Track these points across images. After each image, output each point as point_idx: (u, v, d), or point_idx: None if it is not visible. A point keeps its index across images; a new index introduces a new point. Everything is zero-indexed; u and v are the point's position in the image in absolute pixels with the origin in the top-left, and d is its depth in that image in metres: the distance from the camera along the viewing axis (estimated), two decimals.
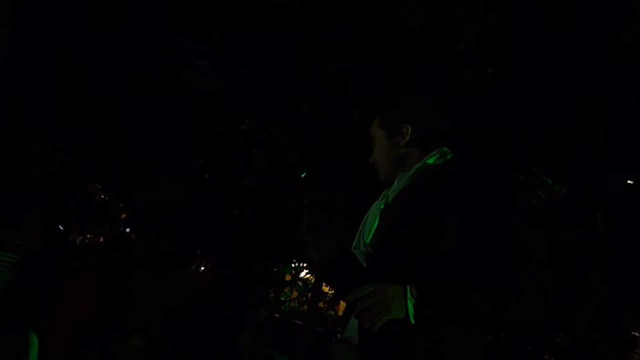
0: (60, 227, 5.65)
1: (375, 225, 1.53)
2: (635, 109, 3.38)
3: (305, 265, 7.17)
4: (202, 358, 3.12)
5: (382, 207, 1.55)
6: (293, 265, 6.79)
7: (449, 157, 1.57)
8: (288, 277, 7.18)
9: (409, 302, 1.29)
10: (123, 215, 6.32)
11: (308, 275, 7.76)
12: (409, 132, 1.60)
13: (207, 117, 4.75)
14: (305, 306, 7.57)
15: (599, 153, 3.74)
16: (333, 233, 1.76)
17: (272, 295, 6.58)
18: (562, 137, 3.66)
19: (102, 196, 6.24)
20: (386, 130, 1.65)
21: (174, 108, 4.68)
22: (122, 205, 6.25)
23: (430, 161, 1.55)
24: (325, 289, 8.86)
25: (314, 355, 5.28)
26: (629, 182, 4.15)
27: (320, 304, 7.65)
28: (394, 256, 1.43)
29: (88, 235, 6.47)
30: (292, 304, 7.65)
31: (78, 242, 6.27)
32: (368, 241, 1.52)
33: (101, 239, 6.20)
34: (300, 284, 7.62)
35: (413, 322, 1.29)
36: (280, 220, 5.04)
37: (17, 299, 3.26)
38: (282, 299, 7.25)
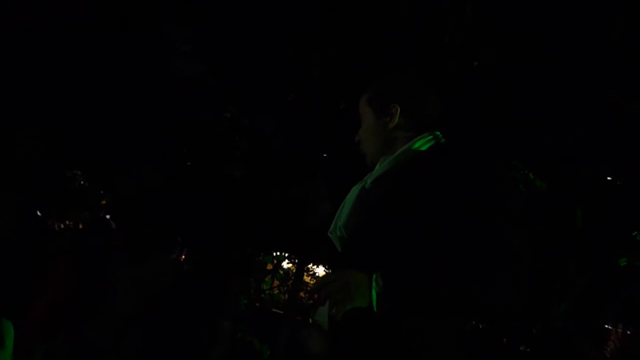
0: (38, 212, 5.56)
1: (351, 208, 1.49)
2: (618, 107, 3.42)
3: (286, 255, 7.17)
4: (180, 346, 3.10)
5: (359, 190, 1.50)
6: (275, 254, 6.78)
7: (440, 141, 1.49)
8: (269, 266, 7.17)
9: (373, 290, 1.26)
10: (103, 202, 6.25)
11: (290, 265, 7.77)
12: (398, 113, 1.52)
13: (191, 103, 4.70)
14: (286, 295, 7.58)
15: (580, 149, 3.79)
16: None
17: (252, 284, 6.57)
18: (544, 132, 3.69)
19: (82, 182, 6.16)
20: (373, 109, 1.57)
21: (157, 94, 4.63)
22: (102, 191, 6.18)
23: (416, 145, 1.47)
24: (307, 278, 8.90)
25: (294, 345, 5.29)
26: (608, 178, 4.21)
27: (301, 294, 7.67)
28: (367, 242, 1.39)
29: (67, 222, 6.39)
30: (274, 291, 7.66)
31: (57, 228, 6.19)
32: (342, 225, 1.48)
33: (80, 225, 6.12)
34: (281, 272, 7.63)
35: (375, 310, 1.25)
36: (262, 209, 5.02)
37: None
38: (264, 287, 7.24)
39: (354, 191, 1.53)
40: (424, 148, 1.47)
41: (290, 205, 4.79)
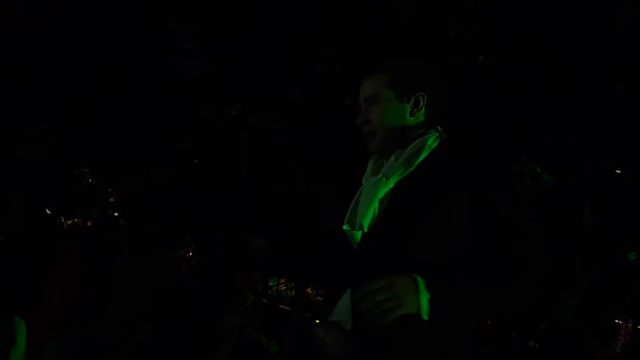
0: (47, 210, 5.61)
1: (374, 206, 1.42)
2: (625, 101, 3.40)
3: None
4: (188, 342, 3.12)
5: (381, 186, 1.44)
6: None
7: (444, 137, 1.48)
8: None
9: (422, 297, 1.21)
10: (111, 199, 6.29)
11: None
12: (424, 102, 1.46)
13: (196, 101, 4.71)
14: (293, 292, 7.60)
15: (588, 142, 3.76)
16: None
17: (259, 280, 6.59)
18: (551, 126, 3.67)
19: (90, 180, 6.20)
20: (395, 93, 1.47)
21: (163, 92, 4.65)
22: (109, 189, 6.21)
23: (430, 142, 1.44)
24: None
25: (301, 341, 5.30)
26: (616, 171, 4.18)
27: (309, 290, 7.68)
28: (396, 244, 1.34)
29: (75, 219, 6.43)
30: (281, 287, 7.67)
31: (65, 226, 6.23)
32: (365, 222, 1.42)
33: (88, 223, 6.16)
34: None
35: (426, 318, 1.22)
36: (268, 205, 5.03)
37: (2, 282, 3.23)
38: (270, 284, 7.25)
39: (370, 184, 1.47)
40: (434, 145, 1.45)
41: (296, 201, 4.80)
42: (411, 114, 1.47)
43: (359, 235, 1.44)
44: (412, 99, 1.46)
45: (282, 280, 7.82)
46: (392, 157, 1.45)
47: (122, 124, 4.94)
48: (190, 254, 6.69)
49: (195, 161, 5.50)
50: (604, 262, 4.27)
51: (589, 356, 4.76)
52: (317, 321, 1.44)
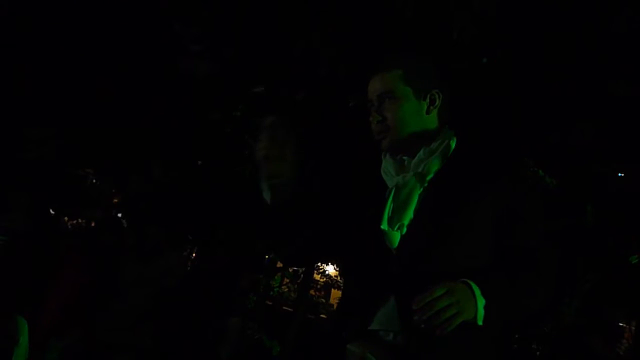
0: (51, 211, 5.63)
1: (414, 205, 1.39)
2: (628, 102, 3.39)
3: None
4: (190, 342, 3.13)
5: (417, 184, 1.41)
6: None
7: (455, 136, 1.49)
8: (279, 264, 7.19)
9: (479, 303, 1.20)
10: (115, 200, 6.31)
11: None
12: (440, 99, 1.47)
13: (200, 102, 4.73)
14: (295, 293, 7.61)
15: (591, 145, 3.76)
16: (294, 163, 1.46)
17: (262, 282, 6.60)
18: (554, 128, 3.67)
19: (94, 180, 6.22)
20: (413, 89, 1.45)
21: (167, 93, 4.66)
22: (114, 190, 6.24)
23: (452, 139, 1.47)
24: (317, 276, 8.91)
25: (303, 342, 5.31)
26: (619, 174, 4.17)
27: (312, 292, 7.69)
28: (440, 245, 1.33)
29: (79, 220, 6.45)
30: (283, 288, 7.69)
31: (69, 227, 6.26)
32: (406, 222, 1.38)
33: (92, 224, 6.19)
34: (290, 270, 7.65)
35: (480, 323, 1.21)
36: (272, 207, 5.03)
37: (5, 282, 3.25)
38: (273, 285, 7.27)
39: (404, 182, 1.43)
40: (452, 145, 1.47)
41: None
42: (427, 112, 1.46)
43: (397, 236, 1.39)
44: (429, 96, 1.46)
45: (285, 282, 7.83)
46: (420, 154, 1.43)
47: (125, 125, 4.95)
48: (194, 255, 6.70)
49: (199, 162, 5.51)
50: (606, 264, 4.27)
51: (591, 359, 4.75)
52: (349, 335, 1.37)
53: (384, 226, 1.41)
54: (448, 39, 3.09)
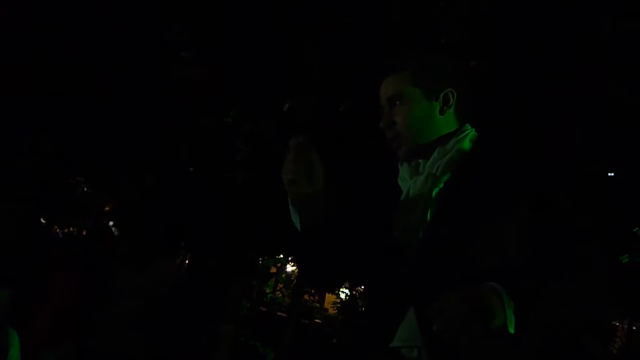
0: (42, 219, 5.59)
1: (429, 208, 1.29)
2: (619, 102, 3.42)
3: (290, 258, 7.17)
4: (184, 350, 3.11)
5: (430, 187, 1.31)
6: (277, 257, 6.80)
7: (476, 135, 1.39)
8: (273, 270, 7.18)
9: (507, 308, 1.06)
10: (106, 208, 6.28)
11: (293, 268, 7.77)
12: (455, 98, 1.37)
13: (192, 108, 4.72)
14: (289, 298, 7.59)
15: (580, 145, 3.78)
16: (323, 185, 1.38)
17: (255, 288, 6.59)
18: (543, 130, 3.69)
19: (85, 189, 6.19)
20: (423, 90, 1.36)
21: (158, 99, 4.65)
22: (105, 198, 6.21)
23: (470, 139, 1.36)
24: None
25: (298, 347, 5.30)
26: (609, 174, 4.20)
27: (305, 297, 7.67)
28: (459, 249, 1.21)
29: (70, 228, 6.42)
30: (277, 294, 7.67)
31: (60, 235, 6.22)
32: (421, 227, 1.29)
33: (84, 232, 6.15)
34: (283, 276, 7.64)
35: (512, 332, 1.07)
36: (265, 213, 5.03)
37: None
38: (266, 291, 7.26)
39: (417, 186, 1.34)
40: (472, 143, 1.36)
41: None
42: (441, 112, 1.37)
43: (412, 242, 1.30)
44: (441, 95, 1.37)
45: (279, 287, 7.82)
46: (435, 154, 1.34)
47: (116, 132, 4.94)
48: (186, 262, 6.68)
49: (191, 169, 5.50)
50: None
51: (585, 357, 4.77)
52: (372, 355, 1.26)
53: (398, 232, 1.33)
54: (436, 43, 3.11)
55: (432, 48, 3.03)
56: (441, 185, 1.31)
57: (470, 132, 1.37)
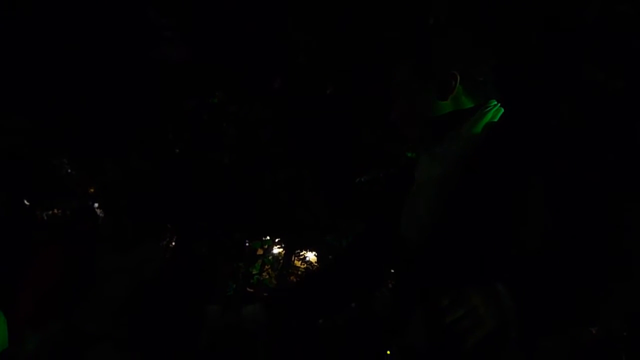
0: (26, 201, 5.54)
1: (432, 198, 1.23)
2: (605, 87, 3.43)
3: (277, 240, 7.19)
4: (170, 332, 3.12)
5: (438, 179, 1.25)
6: (264, 239, 6.81)
7: (500, 113, 1.27)
8: (260, 252, 7.20)
9: (507, 309, 1.00)
10: (91, 190, 6.23)
11: (279, 250, 7.80)
12: (457, 82, 1.26)
13: (176, 89, 4.67)
14: (276, 280, 7.63)
15: (570, 132, 3.80)
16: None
17: (242, 269, 6.61)
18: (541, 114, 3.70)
19: (69, 170, 6.12)
20: (427, 75, 1.29)
21: (142, 80, 4.59)
22: (89, 179, 6.15)
23: (487, 117, 1.25)
24: (297, 263, 8.92)
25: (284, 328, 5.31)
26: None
27: (292, 278, 7.71)
28: (467, 243, 1.13)
29: (54, 210, 6.36)
30: (264, 275, 7.70)
31: (44, 217, 6.16)
32: (427, 220, 1.22)
33: (68, 214, 6.11)
34: (270, 258, 7.67)
35: (515, 335, 1.00)
36: (251, 195, 5.03)
37: None
38: (253, 272, 7.28)
39: (424, 175, 1.29)
40: (494, 120, 1.25)
41: (279, 190, 4.80)
42: (444, 98, 1.27)
43: (419, 235, 1.24)
44: (442, 80, 1.27)
45: (266, 268, 7.84)
46: (445, 144, 1.26)
47: (101, 114, 4.88)
48: (173, 243, 6.66)
49: (177, 150, 5.46)
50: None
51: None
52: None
53: (404, 225, 1.29)
54: (425, 24, 3.09)
55: (420, 29, 3.02)
56: (451, 174, 1.22)
57: (488, 111, 1.26)
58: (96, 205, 5.86)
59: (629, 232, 1.04)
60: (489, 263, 1.09)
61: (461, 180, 1.19)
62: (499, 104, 1.28)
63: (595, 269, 1.03)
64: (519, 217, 1.09)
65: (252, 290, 7.38)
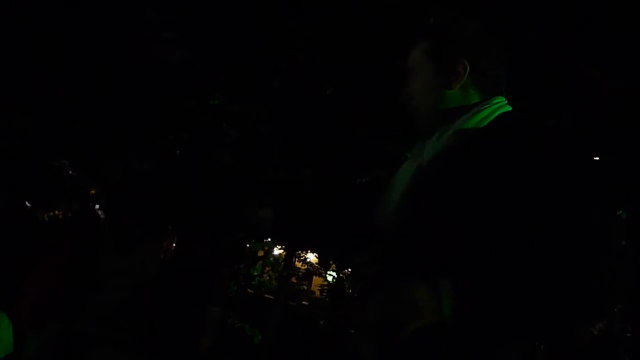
0: (27, 203, 5.54)
1: (404, 192, 1.21)
2: (602, 87, 3.43)
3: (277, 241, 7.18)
4: (170, 333, 3.12)
5: (415, 169, 1.22)
6: (265, 240, 6.81)
7: (507, 109, 1.21)
8: (261, 253, 7.19)
9: (445, 304, 0.98)
10: (92, 191, 6.22)
11: (280, 251, 7.79)
12: (467, 71, 1.21)
13: (176, 90, 4.67)
14: (277, 281, 7.62)
15: (567, 130, 3.80)
16: None
17: (242, 271, 6.60)
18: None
19: (70, 172, 6.12)
20: (435, 64, 1.24)
21: (142, 81, 4.60)
22: (90, 181, 6.15)
23: (484, 114, 1.19)
24: (298, 264, 8.93)
25: (285, 329, 5.33)
26: (595, 158, 4.24)
27: (293, 279, 7.71)
28: (422, 237, 1.10)
29: (56, 212, 6.36)
30: (265, 277, 7.69)
31: (46, 219, 6.16)
32: (393, 211, 1.21)
33: (69, 215, 6.11)
34: (271, 259, 7.66)
35: (454, 329, 0.97)
36: (251, 196, 5.03)
37: None
38: (254, 274, 7.28)
39: (407, 170, 1.26)
40: (490, 118, 1.19)
41: (280, 190, 4.80)
42: (449, 87, 1.23)
43: (388, 228, 1.23)
44: (451, 68, 1.22)
45: (267, 269, 7.84)
46: (434, 137, 1.22)
47: (101, 115, 4.88)
48: (174, 245, 6.66)
49: (178, 152, 5.46)
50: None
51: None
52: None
53: (379, 219, 1.28)
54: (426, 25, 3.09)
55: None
56: (429, 170, 1.18)
57: (488, 108, 1.20)
58: (97, 206, 5.85)
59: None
60: (446, 257, 1.05)
61: (437, 171, 1.15)
62: (505, 102, 1.23)
63: (543, 274, 0.98)
64: (481, 218, 1.04)
65: (252, 291, 7.39)
